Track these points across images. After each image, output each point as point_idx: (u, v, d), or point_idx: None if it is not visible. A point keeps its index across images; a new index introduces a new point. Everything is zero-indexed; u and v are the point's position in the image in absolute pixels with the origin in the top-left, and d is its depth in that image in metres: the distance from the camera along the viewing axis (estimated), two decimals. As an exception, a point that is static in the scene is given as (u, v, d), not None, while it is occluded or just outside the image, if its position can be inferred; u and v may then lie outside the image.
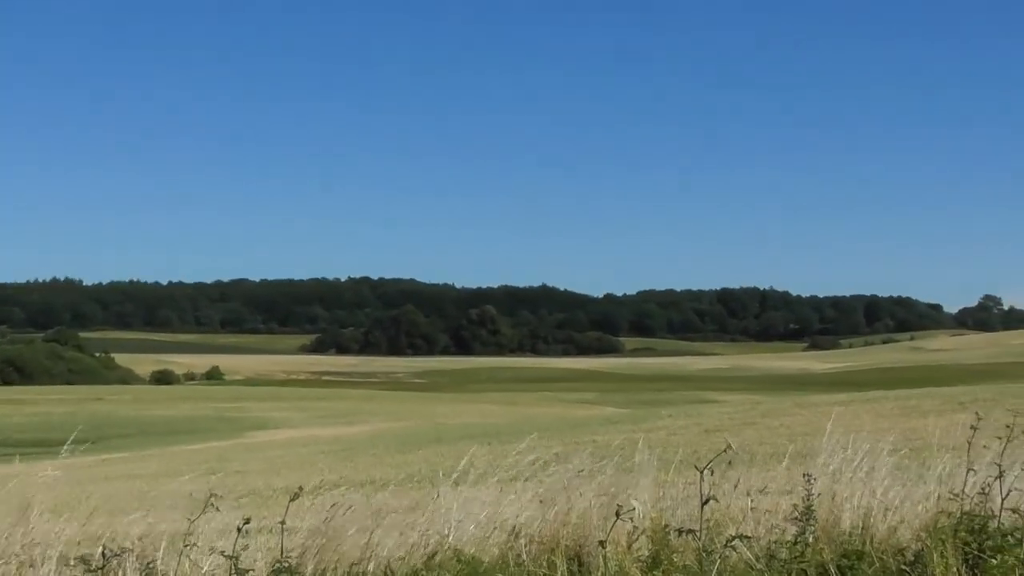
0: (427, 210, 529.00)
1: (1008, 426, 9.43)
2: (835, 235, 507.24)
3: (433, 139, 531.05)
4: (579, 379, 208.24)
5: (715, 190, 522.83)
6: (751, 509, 9.67)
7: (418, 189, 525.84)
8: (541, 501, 9.64)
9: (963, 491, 9.36)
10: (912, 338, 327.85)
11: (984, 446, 9.71)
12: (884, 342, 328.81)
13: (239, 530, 8.07)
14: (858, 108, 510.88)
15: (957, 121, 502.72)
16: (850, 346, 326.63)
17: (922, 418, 39.91)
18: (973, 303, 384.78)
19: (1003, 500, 9.16)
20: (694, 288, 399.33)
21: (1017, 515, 9.04)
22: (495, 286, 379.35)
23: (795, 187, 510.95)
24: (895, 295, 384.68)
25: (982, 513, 9.11)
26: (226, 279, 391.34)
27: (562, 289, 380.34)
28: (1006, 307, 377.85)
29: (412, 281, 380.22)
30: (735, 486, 10.05)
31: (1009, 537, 8.82)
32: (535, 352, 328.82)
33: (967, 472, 9.58)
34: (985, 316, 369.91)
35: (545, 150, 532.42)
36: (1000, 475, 9.27)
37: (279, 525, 8.39)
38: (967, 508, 9.17)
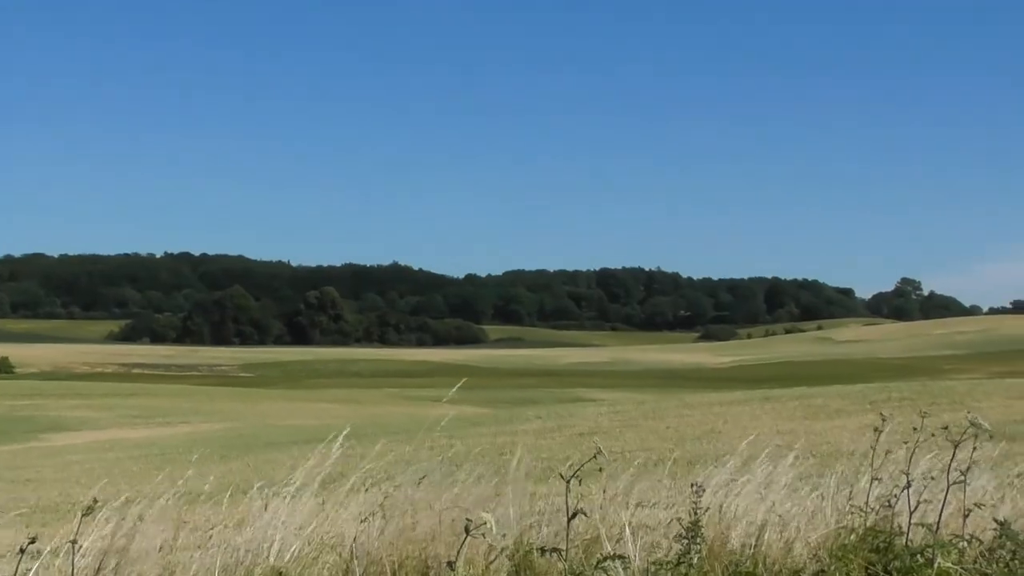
0: (258, 175, 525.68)
1: (915, 429, 9.58)
2: (732, 210, 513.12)
3: (264, 92, 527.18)
4: (434, 374, 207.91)
5: (594, 158, 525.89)
6: (628, 524, 9.71)
7: (247, 151, 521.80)
8: (383, 516, 9.61)
9: (867, 503, 9.49)
10: (820, 327, 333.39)
11: (888, 452, 9.85)
12: (787, 332, 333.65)
13: (22, 551, 7.93)
14: (751, 69, 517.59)
15: (872, 85, 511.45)
16: (748, 336, 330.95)
17: (829, 420, 40.73)
18: (889, 288, 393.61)
19: (911, 513, 9.30)
20: (569, 269, 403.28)
21: (927, 530, 9.18)
22: (338, 264, 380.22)
23: (687, 157, 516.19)
24: (800, 278, 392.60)
25: (888, 529, 9.25)
26: (18, 254, 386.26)
27: (416, 268, 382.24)
28: (926, 292, 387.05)
29: (240, 258, 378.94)
30: (611, 498, 10.10)
31: (918, 556, 8.93)
32: (384, 342, 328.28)
33: (871, 482, 9.71)
34: (902, 302, 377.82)
35: (397, 108, 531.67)
36: (907, 485, 9.41)
37: (71, 544, 8.28)
38: (871, 523, 9.30)
